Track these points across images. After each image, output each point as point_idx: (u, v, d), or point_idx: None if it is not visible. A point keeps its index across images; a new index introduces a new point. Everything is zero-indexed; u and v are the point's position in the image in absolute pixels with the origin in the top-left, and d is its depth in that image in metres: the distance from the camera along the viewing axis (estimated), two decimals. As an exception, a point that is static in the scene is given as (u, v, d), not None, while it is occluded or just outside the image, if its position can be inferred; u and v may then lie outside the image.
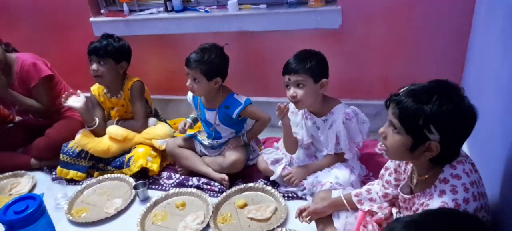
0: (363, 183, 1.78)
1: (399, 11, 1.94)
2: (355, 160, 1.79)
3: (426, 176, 1.05)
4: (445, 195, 0.95)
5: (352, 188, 1.62)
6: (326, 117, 1.70)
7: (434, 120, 0.93)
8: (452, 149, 1.00)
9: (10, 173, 2.23)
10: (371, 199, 1.32)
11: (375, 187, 1.34)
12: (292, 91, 1.62)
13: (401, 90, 1.01)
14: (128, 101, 2.19)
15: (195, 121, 2.08)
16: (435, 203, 0.95)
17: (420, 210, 1.01)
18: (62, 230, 1.80)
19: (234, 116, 1.90)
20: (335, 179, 1.65)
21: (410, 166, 1.16)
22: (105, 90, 2.20)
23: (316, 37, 2.12)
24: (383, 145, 1.10)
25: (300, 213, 1.42)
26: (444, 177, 0.99)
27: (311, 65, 1.59)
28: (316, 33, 2.10)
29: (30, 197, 1.60)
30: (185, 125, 1.98)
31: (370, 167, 1.89)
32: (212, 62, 1.79)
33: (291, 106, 1.76)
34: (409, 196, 1.11)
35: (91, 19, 2.44)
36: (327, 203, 1.39)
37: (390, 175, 1.27)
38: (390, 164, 1.28)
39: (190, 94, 2.05)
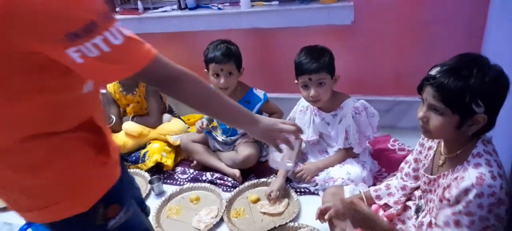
0: (375, 178, 1.79)
1: (412, 6, 1.92)
2: (366, 155, 1.80)
3: (458, 152, 1.04)
4: (481, 166, 0.95)
5: (364, 183, 1.63)
6: (335, 111, 1.71)
7: (480, 93, 0.92)
8: (494, 117, 0.99)
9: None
10: (389, 194, 1.32)
11: (394, 181, 1.34)
12: (313, 91, 1.62)
13: (432, 73, 0.99)
14: (143, 98, 2.23)
15: (210, 120, 2.11)
16: (471, 174, 0.94)
17: (446, 191, 1.00)
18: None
19: (254, 111, 1.93)
20: (347, 175, 1.66)
21: (433, 150, 1.15)
22: (120, 88, 2.26)
23: (328, 33, 2.12)
24: (423, 129, 1.07)
25: (320, 214, 1.33)
26: (477, 151, 0.98)
27: (327, 61, 1.60)
28: (328, 29, 2.11)
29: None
30: (202, 124, 2.00)
31: (382, 162, 1.89)
32: (237, 52, 1.88)
33: (301, 104, 1.78)
34: (434, 176, 1.11)
35: (107, 17, 2.49)
36: (347, 203, 1.38)
37: (409, 166, 1.28)
38: (410, 158, 1.29)
39: None
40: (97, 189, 0.87)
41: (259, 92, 1.96)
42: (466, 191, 0.93)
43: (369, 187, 1.59)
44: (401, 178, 1.31)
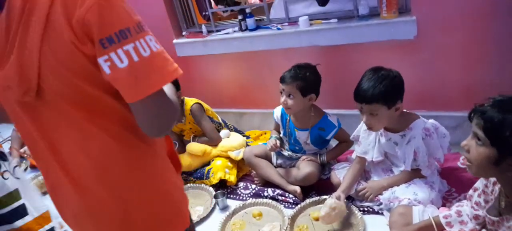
0: (444, 199, 1.71)
1: (478, 18, 1.84)
2: (435, 175, 1.73)
3: None
4: None
5: (433, 205, 1.57)
6: (404, 132, 1.65)
7: None
8: None
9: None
10: (461, 222, 1.26)
11: (465, 208, 1.28)
12: (365, 119, 1.61)
13: (487, 101, 0.98)
14: (193, 124, 2.34)
15: (281, 139, 2.16)
16: None
17: None
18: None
19: (328, 137, 1.96)
20: (413, 195, 1.60)
21: (497, 186, 1.11)
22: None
23: (389, 49, 2.09)
24: (466, 159, 1.06)
25: None
26: None
27: (382, 91, 1.51)
28: (389, 44, 2.08)
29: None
30: (276, 143, 2.03)
31: (451, 182, 1.80)
32: (306, 78, 1.86)
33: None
34: (497, 218, 1.06)
35: (174, 41, 2.68)
36: (416, 228, 1.35)
37: (479, 196, 1.21)
38: (479, 184, 1.22)
39: (277, 112, 2.13)
40: None
41: (333, 119, 1.96)
42: None
43: (438, 208, 1.53)
44: (472, 207, 1.24)
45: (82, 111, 0.76)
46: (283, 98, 1.90)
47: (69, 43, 0.69)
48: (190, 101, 2.31)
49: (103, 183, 0.83)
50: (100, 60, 0.69)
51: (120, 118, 0.80)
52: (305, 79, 1.85)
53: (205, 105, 2.37)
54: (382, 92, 1.51)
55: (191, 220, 0.98)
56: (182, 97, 2.29)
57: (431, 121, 1.65)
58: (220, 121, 2.47)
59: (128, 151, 0.83)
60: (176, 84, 2.23)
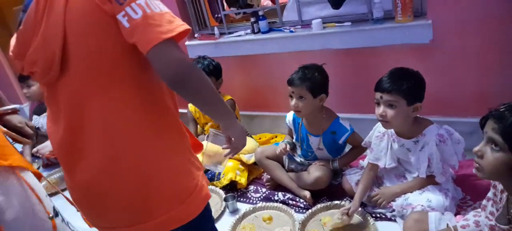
0: (459, 207, 1.67)
1: (494, 22, 1.80)
2: (449, 182, 1.69)
3: None
4: None
5: (450, 212, 1.53)
6: (417, 138, 1.62)
7: None
8: None
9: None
10: None
11: (483, 219, 1.25)
12: (381, 110, 1.58)
13: (502, 106, 0.95)
14: None
15: (292, 144, 2.14)
16: None
17: None
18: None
19: (340, 142, 1.93)
20: (427, 202, 1.56)
21: (505, 194, 1.07)
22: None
23: (404, 53, 2.06)
24: (477, 164, 1.03)
25: None
26: None
27: (406, 87, 1.52)
28: (403, 48, 2.05)
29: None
30: (286, 147, 2.02)
31: (466, 189, 1.76)
32: (315, 78, 1.84)
33: (377, 130, 1.74)
34: (507, 227, 1.03)
35: (187, 42, 2.69)
36: None
37: (492, 205, 1.18)
38: (491, 194, 1.19)
39: (289, 117, 2.12)
40: None
41: (345, 123, 1.93)
42: None
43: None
44: (486, 217, 1.21)
45: (105, 77, 0.84)
46: (293, 102, 1.88)
47: (95, 6, 0.80)
48: (226, 96, 2.39)
49: (122, 151, 0.88)
50: (119, 17, 0.79)
51: (140, 86, 0.88)
52: (314, 79, 1.84)
53: (236, 105, 2.43)
54: (406, 85, 1.52)
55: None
56: (218, 91, 2.35)
57: (445, 126, 1.61)
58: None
59: (148, 119, 0.90)
60: (217, 74, 2.30)
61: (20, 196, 0.99)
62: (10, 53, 0.89)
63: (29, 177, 1.06)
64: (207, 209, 1.06)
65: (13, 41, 0.90)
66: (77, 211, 1.05)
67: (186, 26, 0.84)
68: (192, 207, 0.97)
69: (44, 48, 0.82)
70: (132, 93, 0.87)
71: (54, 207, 1.13)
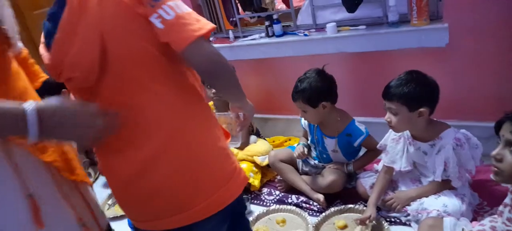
0: (475, 213, 1.65)
1: (511, 26, 1.77)
2: (466, 187, 1.67)
3: None
4: None
5: (463, 217, 1.52)
6: (433, 141, 1.61)
7: None
8: None
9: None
10: None
11: (499, 224, 1.23)
12: (387, 116, 1.61)
13: None
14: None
15: (309, 147, 2.15)
16: None
17: None
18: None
19: (355, 144, 1.93)
20: (443, 207, 1.55)
21: None
22: (214, 109, 2.43)
23: (420, 56, 2.05)
24: (495, 168, 1.02)
25: None
26: None
27: (406, 92, 1.50)
28: (419, 51, 2.03)
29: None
30: (304, 151, 2.03)
31: (483, 195, 1.74)
32: (311, 89, 1.83)
33: (393, 133, 1.73)
34: None
35: (202, 46, 2.72)
36: None
37: (510, 211, 1.17)
38: (508, 200, 1.18)
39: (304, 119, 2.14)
40: None
41: (360, 126, 1.93)
42: None
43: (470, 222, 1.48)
44: (503, 223, 1.19)
45: (146, 74, 0.89)
46: (301, 115, 1.91)
47: (127, 8, 0.84)
48: None
49: (174, 142, 0.93)
50: (152, 19, 0.84)
51: (177, 80, 0.94)
52: (309, 90, 1.82)
53: None
54: (404, 92, 1.51)
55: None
56: None
57: (463, 130, 1.60)
58: (254, 127, 2.51)
59: (190, 109, 0.96)
60: None
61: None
62: (47, 62, 0.92)
63: (88, 191, 1.13)
64: (242, 196, 1.12)
65: (43, 51, 0.93)
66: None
67: (212, 24, 0.90)
68: (234, 189, 1.02)
69: (84, 52, 0.85)
70: (173, 87, 0.93)
71: (108, 224, 1.18)
